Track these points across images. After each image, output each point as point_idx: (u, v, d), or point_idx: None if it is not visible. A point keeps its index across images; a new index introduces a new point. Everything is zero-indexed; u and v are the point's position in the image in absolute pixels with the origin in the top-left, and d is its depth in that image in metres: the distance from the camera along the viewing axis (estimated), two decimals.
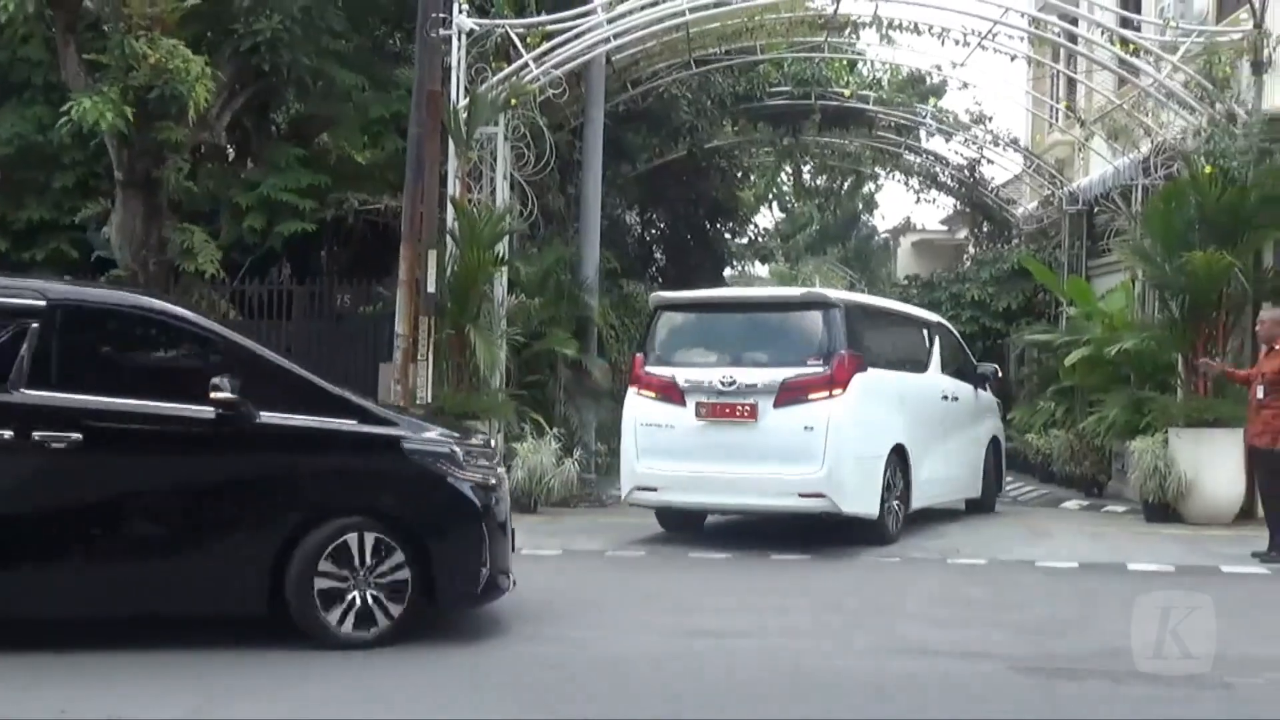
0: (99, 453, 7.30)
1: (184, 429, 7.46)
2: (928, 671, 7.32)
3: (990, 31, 15.99)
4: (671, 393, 11.94)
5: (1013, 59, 16.84)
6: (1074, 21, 17.21)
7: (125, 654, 7.27)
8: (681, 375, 11.91)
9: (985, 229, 25.11)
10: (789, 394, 11.52)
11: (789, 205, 39.20)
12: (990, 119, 21.44)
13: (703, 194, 22.89)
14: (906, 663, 7.51)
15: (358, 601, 7.55)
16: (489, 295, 14.57)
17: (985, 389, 15.11)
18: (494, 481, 8.09)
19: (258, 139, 16.61)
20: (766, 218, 37.05)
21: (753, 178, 29.35)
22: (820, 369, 11.57)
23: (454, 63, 14.38)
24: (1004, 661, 7.50)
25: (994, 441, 15.28)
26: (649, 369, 12.23)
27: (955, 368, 14.53)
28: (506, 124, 14.79)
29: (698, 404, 11.78)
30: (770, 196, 36.65)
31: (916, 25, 16.52)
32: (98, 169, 15.56)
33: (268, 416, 7.49)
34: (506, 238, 14.64)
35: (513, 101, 14.55)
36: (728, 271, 29.28)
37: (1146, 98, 15.97)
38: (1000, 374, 16.87)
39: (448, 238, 14.12)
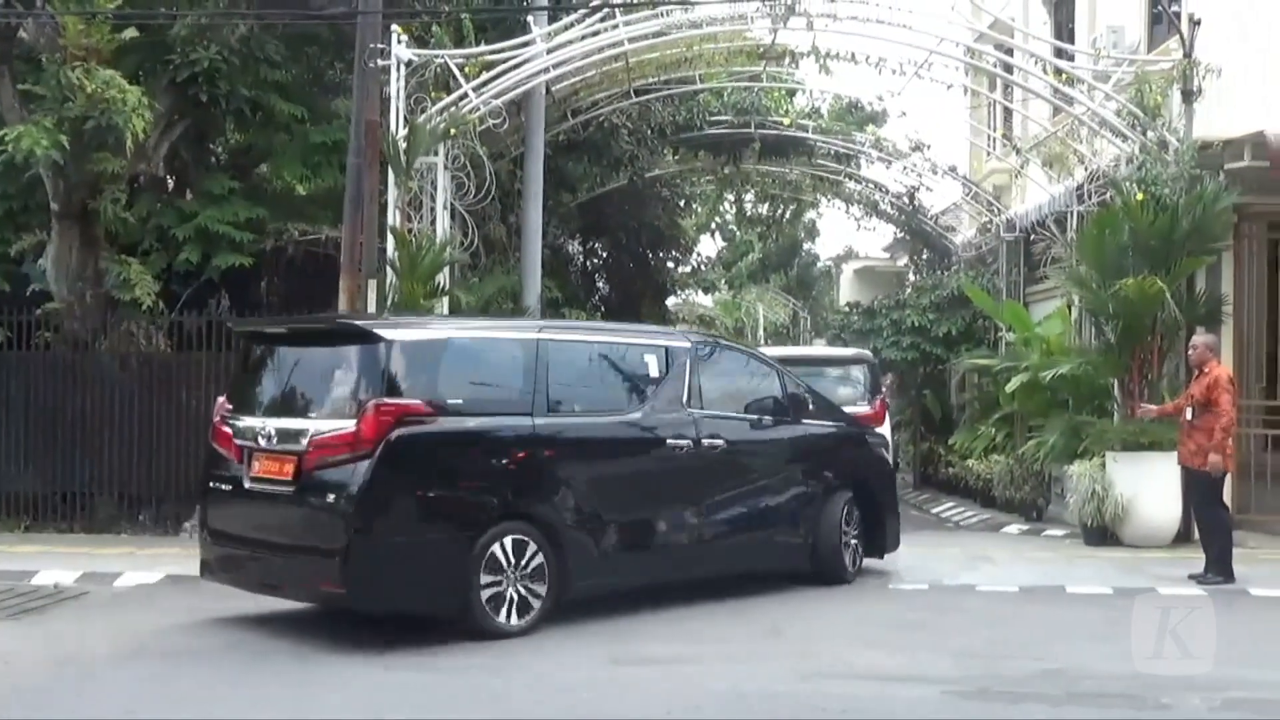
0: (734, 454, 10.35)
1: (773, 434, 10.74)
2: (868, 696, 7.36)
3: (926, 61, 16.13)
4: None
5: (949, 88, 16.98)
6: (1009, 52, 17.37)
7: None
8: None
9: (925, 256, 25.32)
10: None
11: (731, 233, 39.36)
12: (929, 147, 21.62)
13: (645, 223, 22.88)
14: (847, 687, 7.54)
15: (853, 548, 11.17)
16: None
17: None
18: None
19: (196, 169, 16.43)
20: (709, 246, 37.15)
21: (694, 206, 29.41)
22: (868, 408, 16.13)
23: (393, 93, 14.32)
24: (944, 685, 7.54)
25: None
26: None
27: None
28: (446, 153, 14.74)
29: None
30: (712, 225, 36.77)
31: (853, 55, 16.61)
32: (31, 202, 15.32)
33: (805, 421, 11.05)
34: (447, 267, 14.56)
35: (452, 131, 14.50)
36: (671, 300, 29.30)
37: (1080, 126, 16.16)
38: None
39: (388, 268, 14.05)
